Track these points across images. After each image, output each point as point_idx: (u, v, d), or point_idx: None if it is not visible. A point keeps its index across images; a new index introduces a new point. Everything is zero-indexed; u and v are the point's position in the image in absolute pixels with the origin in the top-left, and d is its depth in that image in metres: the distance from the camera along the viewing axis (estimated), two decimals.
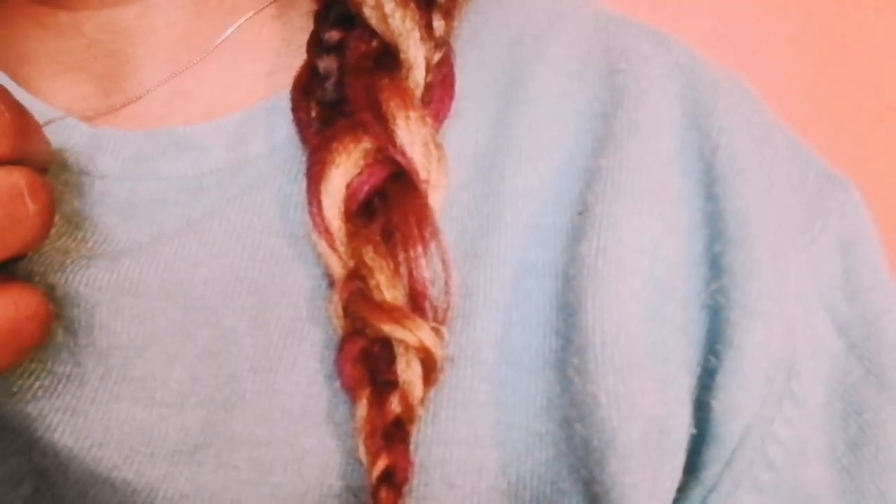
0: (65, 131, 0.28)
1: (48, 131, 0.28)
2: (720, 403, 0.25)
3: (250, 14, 0.29)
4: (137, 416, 0.24)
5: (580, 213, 0.25)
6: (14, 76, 0.29)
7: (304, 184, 0.26)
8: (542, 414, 0.24)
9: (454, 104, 0.27)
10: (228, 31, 0.29)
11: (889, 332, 0.27)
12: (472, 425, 0.24)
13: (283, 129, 0.27)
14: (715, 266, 0.26)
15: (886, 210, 0.31)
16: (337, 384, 0.24)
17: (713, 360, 0.25)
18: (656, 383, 0.24)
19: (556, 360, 0.24)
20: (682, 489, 0.26)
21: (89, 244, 0.26)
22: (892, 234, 0.30)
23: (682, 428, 0.25)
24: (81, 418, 0.24)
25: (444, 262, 0.24)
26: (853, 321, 0.27)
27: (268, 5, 0.29)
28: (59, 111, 0.28)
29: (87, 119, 0.28)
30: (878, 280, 0.28)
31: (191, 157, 0.27)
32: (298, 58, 0.28)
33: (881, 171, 0.57)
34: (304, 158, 0.26)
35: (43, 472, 0.24)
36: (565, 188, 0.26)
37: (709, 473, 0.25)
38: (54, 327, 0.25)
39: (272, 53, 0.29)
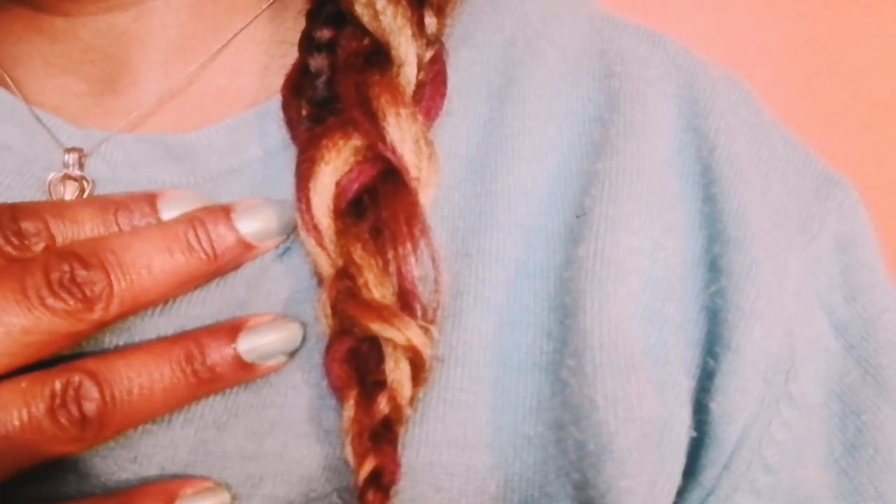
0: (50, 131, 0.28)
1: (35, 130, 0.28)
2: (718, 406, 0.24)
3: (249, 20, 0.29)
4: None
5: (578, 217, 0.25)
6: (6, 78, 0.28)
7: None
8: (531, 416, 0.24)
9: (446, 102, 0.27)
10: (228, 37, 0.28)
11: (887, 333, 0.27)
12: (462, 426, 0.24)
13: (276, 132, 0.27)
14: (714, 267, 0.25)
15: (884, 210, 0.31)
16: (323, 390, 0.24)
17: (711, 362, 0.25)
18: (656, 385, 0.24)
19: (547, 362, 0.24)
20: (680, 492, 0.25)
21: None
22: (889, 234, 0.30)
23: (682, 430, 0.25)
24: None
25: (433, 260, 0.24)
26: (851, 321, 0.27)
27: (265, 9, 0.29)
28: (49, 114, 0.28)
29: (75, 119, 0.28)
30: (875, 280, 0.27)
31: (185, 165, 0.27)
32: (291, 57, 0.28)
33: (879, 171, 0.57)
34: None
35: (29, 482, 0.23)
36: (559, 190, 0.26)
37: (707, 476, 0.25)
38: None
39: (265, 54, 0.29)
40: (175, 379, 0.22)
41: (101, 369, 0.22)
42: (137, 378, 0.22)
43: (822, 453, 0.26)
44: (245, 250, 0.24)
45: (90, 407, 0.21)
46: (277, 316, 0.24)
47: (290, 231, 0.25)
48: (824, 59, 0.58)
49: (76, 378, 0.21)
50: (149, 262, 0.22)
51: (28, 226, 0.22)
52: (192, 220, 0.23)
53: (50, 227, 0.22)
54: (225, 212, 0.24)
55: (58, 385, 0.21)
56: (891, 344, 0.27)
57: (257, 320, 0.24)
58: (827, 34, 0.58)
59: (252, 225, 0.24)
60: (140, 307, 0.23)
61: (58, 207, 0.23)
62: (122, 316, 0.22)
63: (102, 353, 0.23)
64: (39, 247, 0.22)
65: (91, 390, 0.21)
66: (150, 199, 0.24)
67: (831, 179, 0.28)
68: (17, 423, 0.21)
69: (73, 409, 0.21)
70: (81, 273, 0.21)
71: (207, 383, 0.23)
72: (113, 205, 0.24)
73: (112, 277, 0.22)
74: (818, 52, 0.58)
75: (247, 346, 0.23)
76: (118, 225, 0.23)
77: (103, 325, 0.22)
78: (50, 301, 0.21)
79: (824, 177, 0.28)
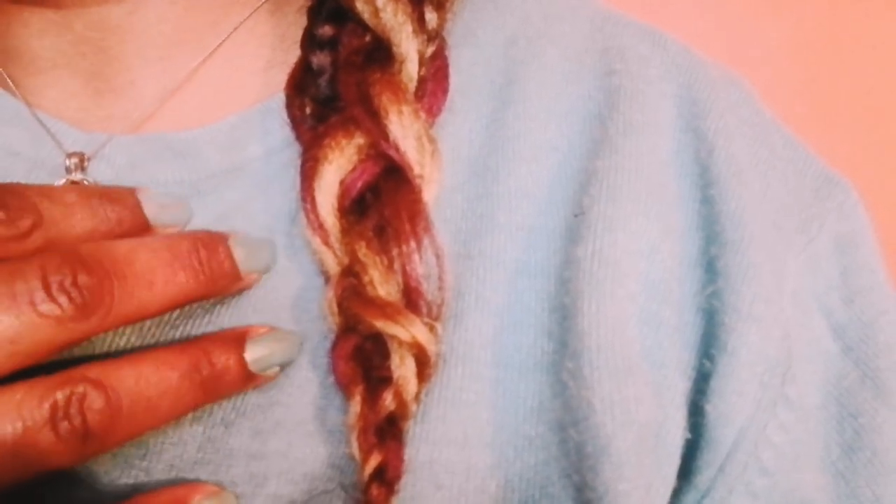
0: (56, 136, 0.27)
1: (39, 134, 0.28)
2: (714, 408, 0.24)
3: (247, 14, 0.28)
4: None
5: (576, 216, 0.25)
6: (6, 79, 0.28)
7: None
8: (532, 416, 0.24)
9: (448, 100, 0.27)
10: (227, 32, 0.28)
11: (885, 335, 0.27)
12: (462, 425, 0.24)
13: (279, 131, 0.27)
14: (711, 269, 0.25)
15: (884, 210, 0.31)
16: (328, 389, 0.24)
17: (707, 364, 0.25)
18: (652, 388, 0.24)
19: (548, 363, 0.24)
20: (676, 494, 0.25)
21: None
22: (889, 235, 0.30)
23: (677, 432, 0.25)
24: None
25: (437, 257, 0.24)
26: (849, 323, 0.27)
27: (263, 2, 0.29)
28: (46, 114, 0.28)
29: (78, 122, 0.28)
30: (875, 282, 0.27)
31: (186, 163, 0.27)
32: (293, 53, 0.28)
33: (879, 171, 0.57)
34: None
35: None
36: (559, 189, 0.26)
37: (702, 478, 0.25)
38: None
39: (267, 49, 0.29)
40: (182, 388, 0.22)
41: (110, 379, 0.21)
42: (146, 388, 0.21)
43: (819, 456, 0.26)
44: (235, 280, 0.24)
45: (95, 419, 0.20)
46: (273, 328, 0.24)
47: (271, 268, 0.25)
48: (824, 59, 0.58)
49: (80, 388, 0.20)
50: (152, 278, 0.21)
51: (13, 200, 0.21)
52: (197, 240, 0.23)
53: (37, 205, 0.21)
54: (223, 239, 0.24)
55: (60, 396, 0.20)
56: (889, 346, 0.26)
57: (258, 331, 0.24)
58: (827, 34, 0.58)
59: (244, 256, 0.24)
60: (134, 321, 0.22)
61: (43, 188, 0.22)
62: (115, 327, 0.21)
63: (108, 357, 0.22)
64: (26, 222, 0.21)
65: (96, 401, 0.20)
66: (132, 191, 0.24)
67: (831, 180, 0.28)
68: (10, 436, 0.19)
69: (77, 422, 0.20)
70: (83, 279, 0.20)
71: (212, 392, 0.23)
72: (96, 192, 0.23)
73: (115, 288, 0.21)
74: (818, 52, 0.58)
75: (253, 356, 0.23)
76: (104, 212, 0.23)
77: (93, 335, 0.21)
78: (43, 307, 0.19)
79: (824, 177, 0.28)
